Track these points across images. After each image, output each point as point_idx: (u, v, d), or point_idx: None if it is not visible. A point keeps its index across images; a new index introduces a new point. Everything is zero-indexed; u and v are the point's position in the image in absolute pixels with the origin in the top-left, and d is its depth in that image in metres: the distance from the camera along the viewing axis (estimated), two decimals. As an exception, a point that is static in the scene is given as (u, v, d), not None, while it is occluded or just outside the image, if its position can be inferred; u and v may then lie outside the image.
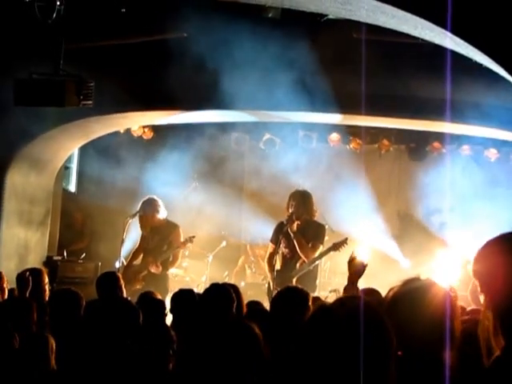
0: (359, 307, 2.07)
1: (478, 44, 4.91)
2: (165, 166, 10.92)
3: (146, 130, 11.48)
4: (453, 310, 2.74)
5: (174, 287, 8.64)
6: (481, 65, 5.54)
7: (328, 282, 10.37)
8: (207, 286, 5.57)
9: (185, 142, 11.47)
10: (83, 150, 11.40)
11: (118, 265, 8.95)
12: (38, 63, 7.36)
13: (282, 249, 8.29)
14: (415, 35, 5.73)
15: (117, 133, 10.96)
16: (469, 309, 5.31)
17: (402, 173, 12.61)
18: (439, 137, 11.37)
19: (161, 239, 8.93)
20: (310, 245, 8.21)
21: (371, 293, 5.07)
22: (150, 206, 8.85)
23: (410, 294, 2.79)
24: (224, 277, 11.36)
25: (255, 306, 5.44)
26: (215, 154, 12.31)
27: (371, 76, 7.08)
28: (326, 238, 8.46)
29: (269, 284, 8.39)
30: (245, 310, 5.27)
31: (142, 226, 9.05)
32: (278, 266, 8.24)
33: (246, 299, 5.54)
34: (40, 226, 9.86)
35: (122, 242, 8.77)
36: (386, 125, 10.29)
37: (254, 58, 7.84)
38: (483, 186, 11.00)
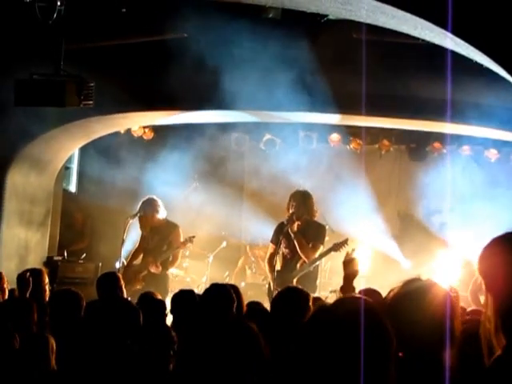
0: (359, 307, 2.07)
1: (478, 44, 4.91)
2: (165, 167, 10.92)
3: (146, 130, 11.49)
4: (453, 311, 2.74)
5: (174, 287, 8.65)
6: (481, 65, 5.54)
7: (328, 283, 10.36)
8: (207, 286, 5.57)
9: (185, 143, 11.46)
10: (84, 150, 11.40)
11: (118, 265, 8.96)
12: (39, 63, 7.36)
13: (283, 249, 8.29)
14: (415, 35, 5.73)
15: (117, 133, 10.96)
16: (469, 309, 5.32)
17: (402, 173, 12.61)
18: (439, 137, 11.37)
19: (161, 239, 8.93)
20: (310, 245, 8.21)
21: (371, 293, 5.06)
22: (150, 206, 8.86)
23: (411, 294, 2.78)
24: (224, 277, 11.36)
25: (255, 306, 5.43)
26: (215, 154, 12.31)
27: (371, 76, 7.07)
28: (327, 238, 8.47)
29: (269, 284, 8.38)
30: (245, 310, 5.27)
31: (142, 226, 9.05)
32: (278, 267, 8.24)
33: (246, 299, 5.54)
34: (40, 226, 9.86)
35: (123, 242, 8.77)
36: (386, 125, 10.29)
37: (254, 58, 7.84)
38: (483, 186, 11.00)
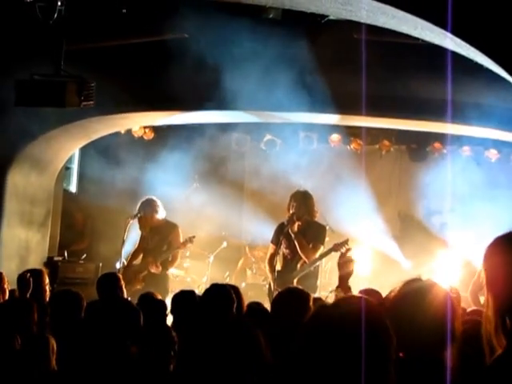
0: (360, 307, 2.07)
1: (479, 45, 4.91)
2: (165, 167, 10.92)
3: (146, 130, 11.49)
4: (454, 311, 2.74)
5: (175, 288, 8.65)
6: (481, 65, 5.54)
7: (329, 283, 10.34)
8: (208, 286, 5.57)
9: (185, 143, 11.46)
10: (84, 150, 11.40)
11: (118, 265, 8.96)
12: (39, 64, 7.36)
13: (283, 249, 8.29)
14: (415, 36, 5.73)
15: (118, 133, 10.96)
16: (469, 310, 5.32)
17: (402, 173, 12.61)
18: (440, 137, 11.38)
19: (160, 239, 8.93)
20: (310, 245, 8.21)
21: (371, 293, 5.07)
22: (149, 206, 8.86)
23: (411, 294, 2.79)
24: (225, 277, 11.36)
25: (256, 306, 5.44)
26: (216, 154, 12.31)
27: (372, 76, 7.07)
28: (327, 238, 8.47)
29: (269, 285, 8.39)
30: (245, 310, 5.27)
31: (142, 227, 9.05)
32: (278, 267, 8.23)
33: (246, 300, 5.54)
34: (41, 226, 9.86)
35: (123, 242, 8.77)
36: (386, 125, 10.29)
37: (254, 58, 7.84)
38: (484, 186, 11.00)
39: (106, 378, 3.53)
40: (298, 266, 8.19)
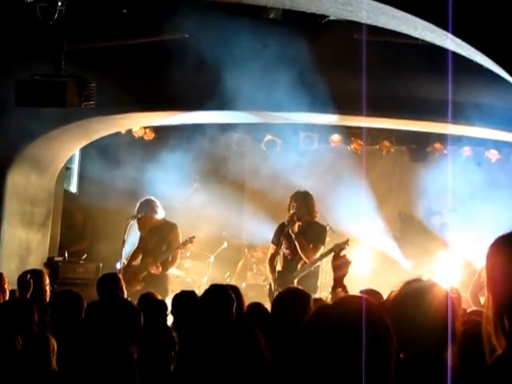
0: (360, 307, 2.07)
1: (479, 45, 4.91)
2: (166, 167, 10.92)
3: (147, 130, 11.49)
4: (454, 311, 2.74)
5: (175, 288, 8.65)
6: (481, 65, 5.54)
7: (329, 283, 10.24)
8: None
9: (186, 143, 11.47)
10: (84, 150, 11.40)
11: (119, 266, 8.95)
12: (40, 64, 7.36)
13: (284, 250, 8.30)
14: (416, 36, 5.73)
15: (118, 133, 10.96)
16: (469, 310, 5.32)
17: (403, 174, 12.61)
18: (440, 138, 11.38)
19: (160, 239, 8.93)
20: (311, 246, 8.21)
21: (371, 294, 5.07)
22: (149, 206, 8.86)
23: (412, 294, 2.79)
24: (225, 278, 11.36)
25: (256, 306, 5.44)
26: (216, 154, 12.31)
27: (372, 77, 7.07)
28: (327, 238, 8.47)
29: (270, 285, 8.39)
30: (246, 310, 5.27)
31: (141, 227, 9.04)
32: (279, 267, 8.23)
33: (247, 300, 5.54)
34: (41, 226, 9.86)
35: (124, 243, 8.77)
36: (387, 126, 10.29)
37: (254, 58, 7.84)
38: (484, 186, 11.00)
39: (107, 378, 3.53)
40: (299, 266, 8.19)
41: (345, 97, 8.14)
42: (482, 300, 6.43)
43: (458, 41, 4.96)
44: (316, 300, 4.92)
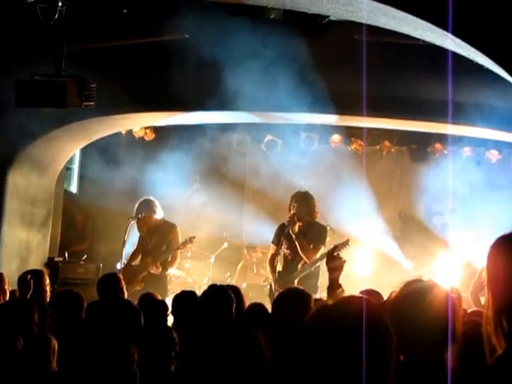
0: (360, 307, 2.07)
1: (479, 45, 4.91)
2: (166, 167, 10.92)
3: (147, 131, 11.49)
4: (454, 312, 2.74)
5: (176, 288, 8.65)
6: (482, 65, 5.53)
7: (329, 283, 10.33)
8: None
9: (186, 143, 11.46)
10: (85, 151, 11.40)
11: (119, 266, 8.95)
12: (40, 64, 7.36)
13: (284, 250, 8.30)
14: (416, 36, 5.73)
15: (118, 134, 10.96)
16: (469, 310, 5.32)
17: (403, 174, 12.61)
18: (441, 138, 11.38)
19: (159, 239, 8.93)
20: (311, 246, 8.21)
21: (371, 294, 5.07)
22: (148, 206, 8.86)
23: (412, 295, 2.78)
24: (226, 278, 11.36)
25: (257, 307, 5.44)
26: (217, 155, 12.31)
27: (372, 77, 7.07)
28: (328, 239, 8.47)
29: (270, 285, 8.39)
30: (246, 311, 5.27)
31: (139, 227, 9.04)
32: (279, 268, 8.23)
33: (247, 301, 5.54)
34: (41, 227, 9.86)
35: (124, 243, 8.76)
36: (387, 126, 10.29)
37: (255, 59, 7.84)
38: (484, 187, 11.00)
39: (107, 378, 3.53)
40: (299, 266, 8.19)
41: (345, 97, 8.14)
42: (483, 300, 6.42)
43: (458, 41, 4.96)
44: (316, 300, 4.91)
